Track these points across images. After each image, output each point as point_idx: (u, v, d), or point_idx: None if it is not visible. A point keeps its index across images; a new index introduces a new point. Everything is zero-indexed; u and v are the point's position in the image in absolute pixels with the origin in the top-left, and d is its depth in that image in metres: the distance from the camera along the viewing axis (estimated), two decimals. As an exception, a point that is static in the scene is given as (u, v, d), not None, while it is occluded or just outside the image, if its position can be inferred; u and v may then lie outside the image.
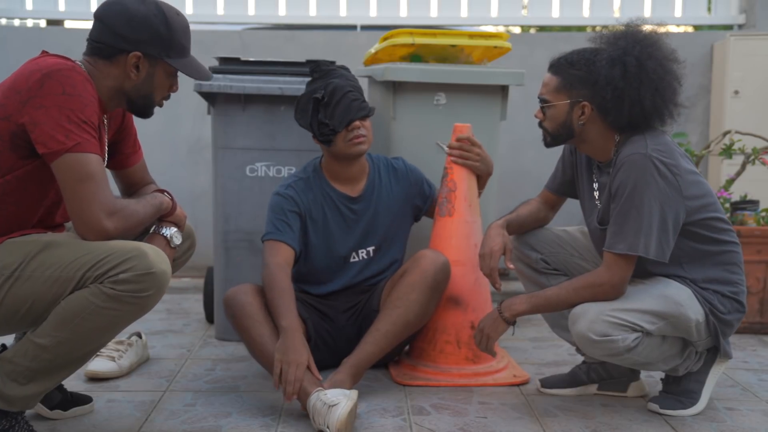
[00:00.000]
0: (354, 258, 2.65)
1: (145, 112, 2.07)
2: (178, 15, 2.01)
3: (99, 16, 1.97)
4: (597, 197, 2.33)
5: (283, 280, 2.39)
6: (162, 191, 2.12)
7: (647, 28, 2.25)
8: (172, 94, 2.11)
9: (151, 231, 2.06)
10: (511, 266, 2.39)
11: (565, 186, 2.51)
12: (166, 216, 2.08)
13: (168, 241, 2.05)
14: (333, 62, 2.78)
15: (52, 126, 1.78)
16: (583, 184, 2.40)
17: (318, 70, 2.62)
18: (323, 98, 2.53)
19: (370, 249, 2.66)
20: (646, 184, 2.10)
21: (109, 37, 1.94)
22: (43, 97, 1.79)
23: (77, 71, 1.86)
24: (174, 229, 2.08)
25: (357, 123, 2.52)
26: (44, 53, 1.94)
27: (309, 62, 3.07)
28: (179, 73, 2.06)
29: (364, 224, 2.64)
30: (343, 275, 2.65)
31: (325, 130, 2.53)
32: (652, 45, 2.20)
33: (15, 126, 1.82)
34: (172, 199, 2.11)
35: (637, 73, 2.16)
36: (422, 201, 2.76)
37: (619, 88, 2.16)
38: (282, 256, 2.47)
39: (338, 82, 2.54)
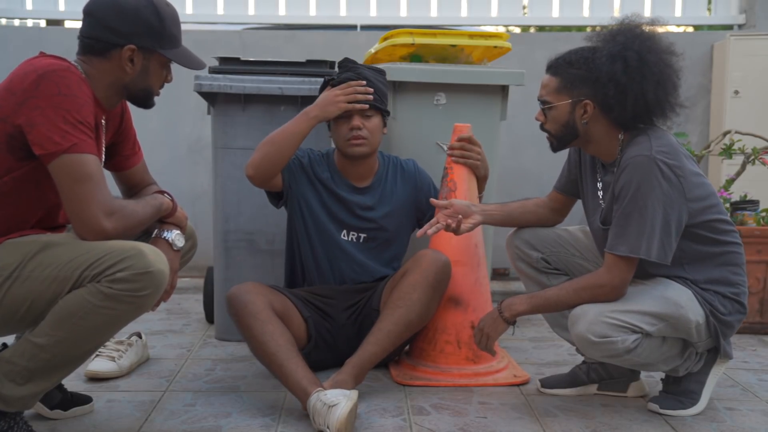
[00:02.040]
0: (345, 236, 2.67)
1: (146, 104, 2.08)
2: (168, 5, 2.01)
3: (89, 11, 1.96)
4: (601, 197, 2.33)
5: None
6: (162, 192, 2.12)
7: (643, 24, 2.25)
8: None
9: (153, 235, 2.06)
10: (446, 211, 2.45)
11: (570, 185, 2.50)
12: (166, 217, 2.07)
13: (170, 244, 2.05)
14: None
15: (48, 127, 1.78)
16: (586, 183, 2.40)
17: (343, 65, 2.67)
18: (332, 80, 2.59)
19: (361, 235, 2.68)
20: (649, 186, 2.10)
21: (100, 32, 1.94)
22: (38, 98, 1.79)
23: (72, 71, 1.86)
24: (176, 232, 2.07)
25: (358, 122, 2.54)
26: (41, 54, 1.94)
27: (310, 62, 3.07)
28: (177, 68, 2.06)
29: (360, 211, 2.67)
30: (337, 252, 2.66)
31: None
32: (651, 39, 2.20)
33: (11, 127, 1.81)
34: (172, 200, 2.10)
35: (639, 66, 2.15)
36: (427, 205, 2.76)
37: (621, 83, 2.16)
38: None
39: (352, 76, 2.58)
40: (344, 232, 2.67)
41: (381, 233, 2.70)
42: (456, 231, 2.43)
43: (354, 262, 2.67)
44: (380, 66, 2.99)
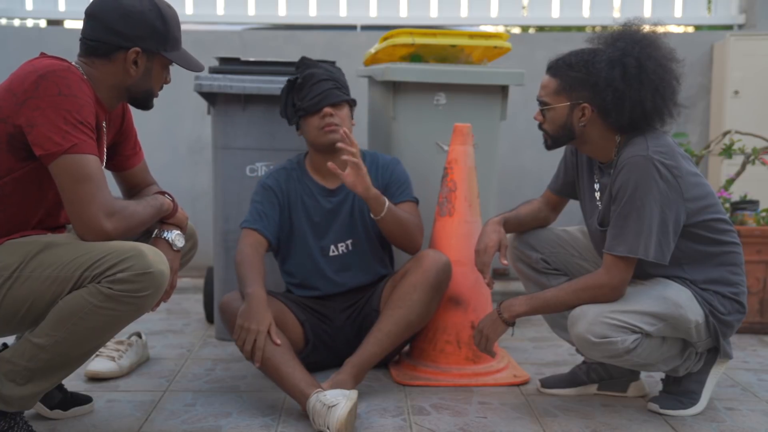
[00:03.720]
0: (333, 252, 2.63)
1: (146, 105, 2.08)
2: (170, 8, 2.02)
3: (93, 14, 1.96)
4: (598, 198, 2.33)
5: (250, 255, 2.45)
6: (163, 193, 2.12)
7: (645, 28, 2.24)
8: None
9: (153, 235, 2.06)
10: (505, 262, 2.39)
11: (567, 187, 2.50)
12: (167, 218, 2.07)
13: (170, 244, 2.05)
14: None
15: (49, 127, 1.78)
16: (583, 185, 2.40)
17: (302, 63, 2.64)
18: (296, 80, 2.56)
19: (348, 242, 2.63)
20: (647, 186, 2.10)
21: (105, 35, 1.94)
22: (39, 98, 1.79)
23: (72, 71, 1.86)
24: (176, 232, 2.07)
25: (329, 110, 2.51)
26: (42, 55, 1.94)
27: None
28: (178, 69, 2.06)
29: (343, 217, 2.62)
30: (325, 271, 2.62)
31: (295, 113, 2.56)
32: (651, 45, 2.20)
33: (12, 128, 1.81)
34: (173, 201, 2.10)
35: (637, 74, 2.15)
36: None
37: (619, 89, 2.16)
38: (253, 239, 2.52)
39: (315, 71, 2.57)
40: (332, 248, 2.62)
41: (364, 232, 2.64)
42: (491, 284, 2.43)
43: (350, 270, 2.64)
44: (380, 66, 3.00)
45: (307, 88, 2.54)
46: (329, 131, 2.51)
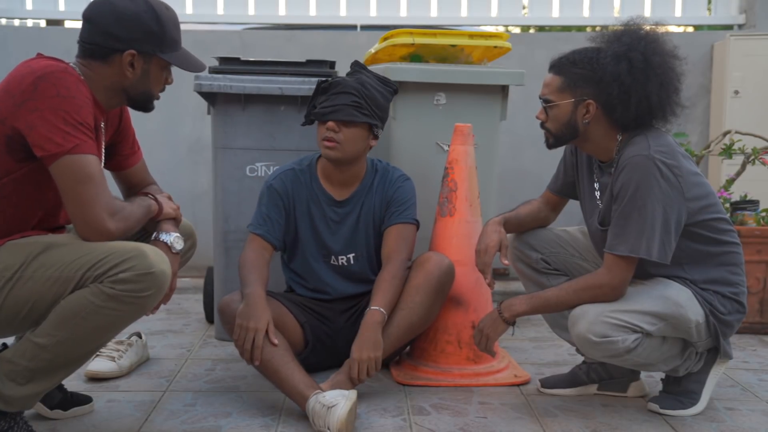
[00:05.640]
0: (334, 261, 2.61)
1: (146, 107, 2.08)
2: (167, 9, 2.01)
3: (88, 17, 1.96)
4: (598, 197, 2.33)
5: (252, 258, 2.44)
6: (145, 194, 2.11)
7: (647, 26, 2.25)
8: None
9: (152, 238, 2.06)
10: (506, 262, 2.39)
11: (566, 187, 2.50)
12: (155, 216, 2.07)
13: (169, 247, 2.05)
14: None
15: (49, 129, 1.78)
16: (583, 185, 2.40)
17: (351, 67, 2.59)
18: (323, 84, 2.51)
19: (350, 256, 2.61)
20: (648, 186, 2.10)
21: (101, 38, 1.94)
22: (37, 100, 1.79)
23: (70, 72, 1.86)
24: (175, 235, 2.07)
25: (332, 125, 2.42)
26: (39, 55, 1.94)
27: (310, 62, 3.07)
28: (177, 68, 2.06)
29: (347, 229, 2.59)
30: (325, 278, 2.61)
31: (308, 115, 2.53)
32: (656, 41, 2.20)
33: (10, 129, 1.81)
34: (155, 200, 2.08)
35: (644, 68, 2.15)
36: (385, 216, 2.59)
37: (626, 84, 2.16)
38: (257, 244, 2.51)
39: (347, 80, 2.49)
40: (333, 258, 2.60)
41: (366, 246, 2.61)
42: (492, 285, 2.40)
43: (350, 280, 2.63)
44: (380, 66, 3.00)
45: (327, 94, 2.47)
46: (327, 147, 2.45)
